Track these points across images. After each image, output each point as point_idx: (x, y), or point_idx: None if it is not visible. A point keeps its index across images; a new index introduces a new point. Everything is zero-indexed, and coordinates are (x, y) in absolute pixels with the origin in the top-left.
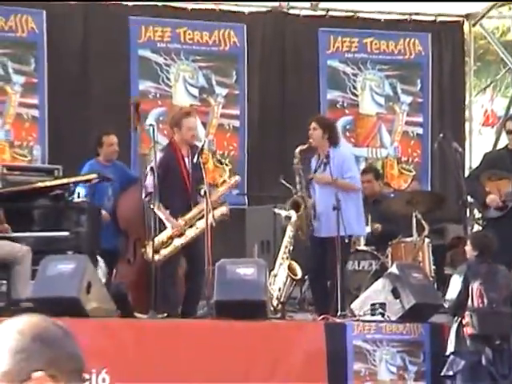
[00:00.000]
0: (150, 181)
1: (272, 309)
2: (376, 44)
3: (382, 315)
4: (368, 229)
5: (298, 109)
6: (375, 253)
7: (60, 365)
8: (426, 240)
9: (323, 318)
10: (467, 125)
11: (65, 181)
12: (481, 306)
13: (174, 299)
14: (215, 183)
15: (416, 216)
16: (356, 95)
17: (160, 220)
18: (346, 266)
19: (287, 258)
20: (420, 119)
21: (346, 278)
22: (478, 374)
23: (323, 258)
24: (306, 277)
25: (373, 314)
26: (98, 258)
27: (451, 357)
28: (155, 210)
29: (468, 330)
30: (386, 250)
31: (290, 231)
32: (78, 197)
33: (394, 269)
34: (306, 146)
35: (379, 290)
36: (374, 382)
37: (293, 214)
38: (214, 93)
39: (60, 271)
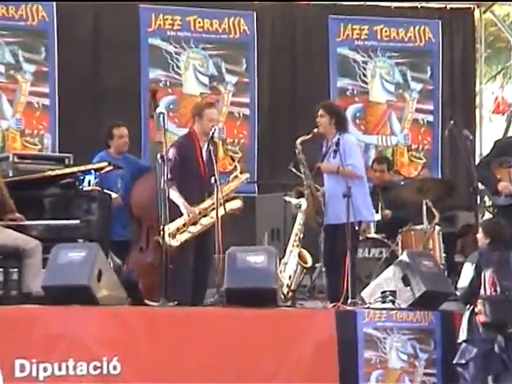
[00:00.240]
0: (169, 168)
1: (282, 297)
2: (386, 31)
3: (393, 303)
4: (378, 216)
5: (307, 97)
6: (385, 240)
7: None
8: (437, 228)
9: (334, 306)
10: (477, 112)
11: (75, 169)
12: (493, 293)
13: (187, 287)
14: (225, 171)
15: (426, 204)
16: (366, 83)
17: (172, 208)
18: (356, 252)
19: (297, 246)
20: (430, 107)
21: (356, 265)
22: (490, 362)
23: (333, 245)
24: (317, 265)
25: (383, 302)
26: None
27: (463, 345)
28: (171, 196)
29: (480, 318)
30: (396, 237)
31: (300, 219)
32: (89, 185)
33: (404, 256)
34: (308, 136)
35: (390, 278)
36: (385, 370)
37: (303, 201)
38: (224, 81)
39: (71, 259)
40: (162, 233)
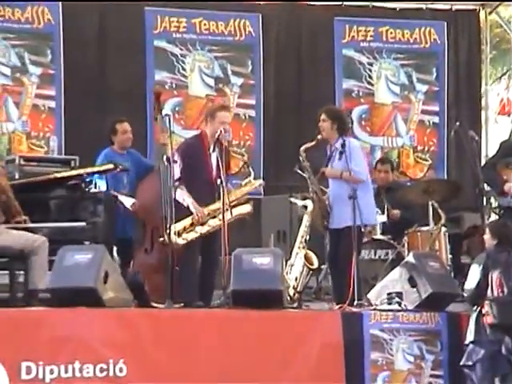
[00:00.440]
0: (176, 169)
1: (288, 298)
2: (391, 33)
3: (399, 304)
4: (384, 217)
5: (313, 98)
6: (391, 242)
7: None
8: (443, 229)
9: (340, 308)
10: (483, 113)
11: (81, 171)
12: (500, 294)
13: (194, 288)
14: (233, 173)
15: (432, 205)
16: (371, 84)
17: (178, 209)
18: (360, 255)
19: (303, 248)
20: (436, 108)
21: (362, 267)
22: (497, 364)
23: (338, 247)
24: (323, 266)
25: (389, 303)
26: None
27: (470, 346)
28: (179, 196)
29: (488, 320)
30: (402, 239)
31: (306, 221)
32: (95, 187)
33: (410, 258)
34: (312, 143)
35: (396, 279)
36: (391, 371)
37: (309, 203)
38: (229, 83)
39: (77, 261)
40: (167, 232)
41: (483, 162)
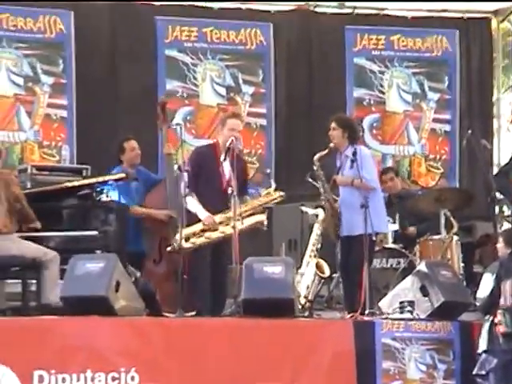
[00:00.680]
0: (185, 178)
1: (300, 307)
2: (403, 41)
3: (411, 313)
4: (395, 226)
5: (324, 107)
6: (403, 250)
7: None
8: (455, 238)
9: (352, 317)
10: (495, 122)
11: (93, 180)
12: None
13: (205, 296)
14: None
15: (444, 213)
16: (383, 93)
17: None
18: (371, 263)
19: (315, 256)
20: (448, 116)
21: (373, 275)
22: (510, 373)
23: (349, 255)
24: (334, 275)
25: (401, 312)
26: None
27: (483, 355)
28: (187, 205)
29: (500, 329)
30: (413, 247)
31: (317, 229)
32: (107, 196)
33: (422, 266)
34: (325, 151)
35: (408, 288)
36: (404, 381)
37: (320, 212)
38: (240, 91)
39: (88, 270)
40: (175, 240)
41: (495, 170)
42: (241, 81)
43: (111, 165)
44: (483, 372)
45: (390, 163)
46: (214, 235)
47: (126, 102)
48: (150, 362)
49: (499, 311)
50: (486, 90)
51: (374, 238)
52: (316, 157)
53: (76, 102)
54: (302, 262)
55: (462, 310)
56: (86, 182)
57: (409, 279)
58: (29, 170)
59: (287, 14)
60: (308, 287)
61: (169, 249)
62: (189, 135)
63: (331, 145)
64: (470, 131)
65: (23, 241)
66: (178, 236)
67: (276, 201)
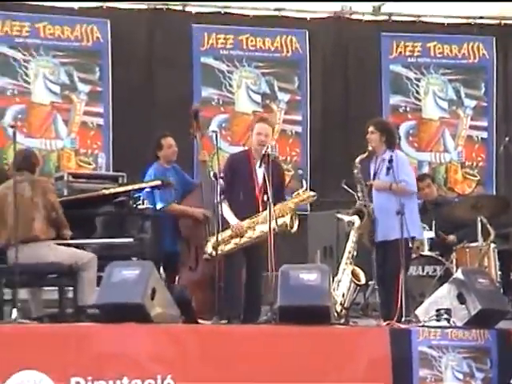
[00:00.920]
0: (215, 186)
1: (335, 314)
2: (439, 48)
3: (448, 321)
4: (431, 233)
5: (360, 114)
6: (440, 258)
7: None
8: (492, 245)
9: (388, 324)
10: None
11: (129, 188)
12: None
13: (237, 303)
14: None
15: (481, 221)
16: (419, 100)
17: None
18: (408, 270)
19: (350, 264)
20: (484, 123)
21: (409, 283)
22: None
23: (385, 262)
24: (370, 282)
25: (438, 320)
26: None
27: None
28: (223, 207)
29: None
30: (450, 255)
31: (353, 236)
32: (143, 203)
33: (459, 274)
34: (365, 154)
35: (444, 296)
36: None
37: (356, 219)
38: (276, 99)
39: (125, 277)
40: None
41: None
42: (276, 88)
43: (147, 171)
44: None
45: (426, 170)
46: (242, 241)
47: (161, 109)
48: (186, 369)
49: None
50: None
51: (410, 245)
52: (357, 160)
53: (112, 109)
54: (337, 269)
55: (499, 317)
56: (122, 189)
57: (445, 287)
58: (65, 178)
59: (323, 21)
60: (344, 295)
61: (205, 256)
62: (224, 142)
63: (370, 148)
64: (506, 138)
65: (60, 247)
66: (208, 244)
67: (306, 201)
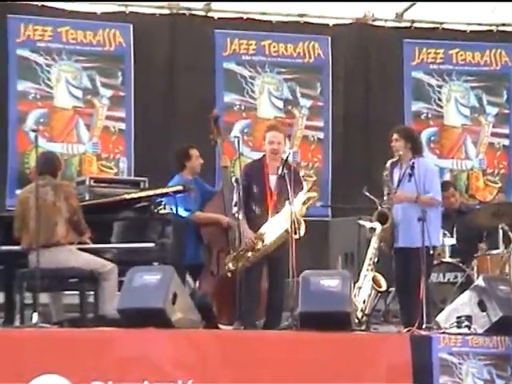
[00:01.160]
0: (236, 192)
1: (356, 321)
2: (461, 55)
3: (469, 328)
4: (453, 240)
5: (382, 120)
6: (461, 265)
7: None
8: None
9: (408, 331)
10: None
11: (150, 193)
12: None
13: (252, 311)
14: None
15: (502, 228)
16: (441, 107)
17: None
18: (429, 277)
19: (372, 270)
20: (506, 130)
21: (430, 290)
22: None
23: (406, 269)
24: (391, 289)
25: (459, 327)
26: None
27: None
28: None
29: None
30: (471, 262)
31: (374, 243)
32: (164, 209)
33: (480, 281)
34: (396, 159)
35: (465, 303)
36: None
37: (377, 225)
38: (298, 105)
39: (146, 282)
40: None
41: None
42: (298, 94)
43: (168, 177)
44: None
45: (447, 177)
46: (257, 253)
47: (183, 114)
48: (207, 375)
49: None
50: None
51: (431, 252)
52: (387, 163)
53: (134, 114)
54: (359, 275)
55: None
56: (144, 194)
57: (466, 294)
58: (87, 182)
59: (345, 28)
60: (365, 301)
61: (227, 268)
62: (246, 148)
63: (401, 153)
64: None
65: (82, 252)
66: (228, 259)
67: (308, 203)
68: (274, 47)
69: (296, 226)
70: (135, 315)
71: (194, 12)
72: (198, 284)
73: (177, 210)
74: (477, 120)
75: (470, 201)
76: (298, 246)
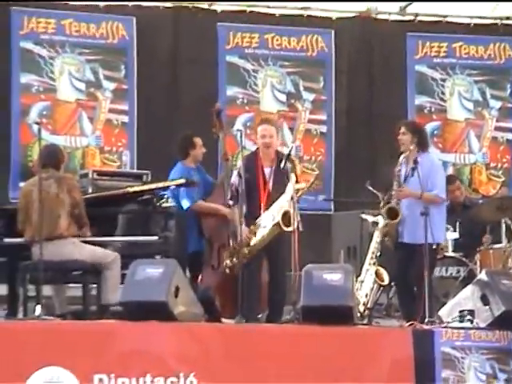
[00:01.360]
0: (233, 183)
1: (359, 315)
2: (465, 49)
3: (471, 322)
4: (456, 235)
5: (385, 114)
6: (463, 259)
7: None
8: None
9: (411, 325)
10: None
11: (153, 186)
12: None
13: (253, 305)
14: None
15: (505, 222)
16: (444, 100)
17: None
18: (433, 272)
19: (374, 264)
20: (509, 125)
21: (433, 284)
22: None
23: (408, 264)
24: (393, 283)
25: (461, 321)
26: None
27: None
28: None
29: None
30: (474, 256)
31: (377, 237)
32: (167, 202)
33: (483, 275)
34: (408, 152)
35: (468, 297)
36: None
37: (380, 219)
38: (301, 98)
39: (148, 275)
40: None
41: None
42: (301, 87)
43: (171, 169)
44: None
45: (450, 171)
46: (251, 248)
47: (186, 107)
48: (209, 368)
49: None
50: None
51: (434, 247)
52: (401, 157)
53: (137, 107)
54: (361, 269)
55: None
56: (147, 187)
57: (469, 288)
58: (90, 175)
59: (348, 21)
60: (367, 295)
61: (225, 264)
62: (249, 141)
63: (411, 147)
64: None
65: (84, 245)
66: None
67: (298, 195)
68: (277, 40)
69: (288, 219)
70: (138, 308)
71: (197, 5)
72: (199, 278)
73: (179, 203)
74: (480, 114)
75: (472, 195)
76: (301, 240)
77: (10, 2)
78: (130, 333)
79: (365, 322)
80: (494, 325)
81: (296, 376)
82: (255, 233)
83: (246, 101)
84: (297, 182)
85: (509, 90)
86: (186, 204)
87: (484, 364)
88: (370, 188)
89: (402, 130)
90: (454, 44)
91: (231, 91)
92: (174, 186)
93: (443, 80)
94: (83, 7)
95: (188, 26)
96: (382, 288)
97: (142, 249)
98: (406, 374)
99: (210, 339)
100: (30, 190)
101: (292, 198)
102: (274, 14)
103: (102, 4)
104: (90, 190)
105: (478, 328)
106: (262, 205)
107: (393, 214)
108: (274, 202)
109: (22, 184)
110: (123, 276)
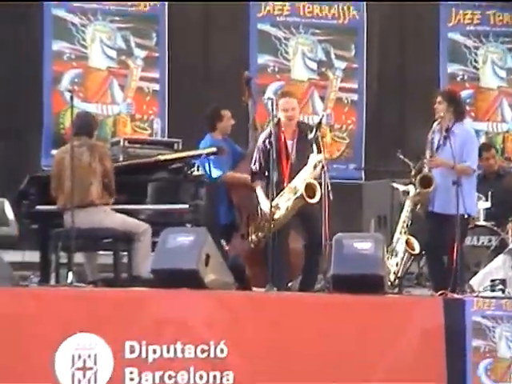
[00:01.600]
0: (255, 157)
1: (389, 284)
2: (499, 16)
3: (503, 291)
4: (488, 204)
5: (417, 82)
6: (495, 228)
7: None
8: None
9: (441, 294)
10: None
11: (184, 154)
12: None
13: (282, 274)
14: (331, 158)
15: None
16: (477, 69)
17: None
18: (464, 242)
19: (405, 233)
20: None
21: (464, 253)
22: None
23: (439, 233)
24: (424, 252)
25: (492, 290)
26: None
27: None
28: (256, 190)
29: None
30: (506, 225)
31: (407, 206)
32: (198, 170)
33: None
34: (440, 120)
35: (499, 266)
36: (494, 359)
37: (411, 188)
38: (332, 66)
39: (179, 243)
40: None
41: None
42: (333, 56)
43: (202, 138)
44: None
45: (482, 140)
46: (276, 223)
47: (217, 75)
48: (239, 336)
49: None
50: None
51: (465, 217)
52: (434, 124)
53: (168, 75)
54: (391, 238)
55: None
56: (178, 155)
57: (501, 257)
58: (121, 143)
59: None
60: (398, 264)
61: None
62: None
63: (441, 114)
64: None
65: (116, 213)
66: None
67: (319, 166)
68: (309, 8)
69: (312, 190)
70: (168, 276)
71: None
72: (230, 246)
73: (210, 172)
74: None
75: (505, 163)
76: (332, 209)
77: None
78: (160, 300)
79: (395, 291)
80: None
81: (325, 344)
82: (279, 207)
83: (276, 69)
84: (322, 151)
85: None
86: (216, 174)
87: None
88: (401, 157)
89: (439, 98)
90: (488, 12)
91: (262, 59)
92: (205, 155)
93: (476, 48)
94: None
95: None
96: (412, 257)
97: (173, 217)
98: (436, 343)
99: (241, 307)
100: (62, 157)
101: (315, 168)
102: None
103: None
104: (121, 158)
105: (510, 297)
106: (285, 178)
107: (426, 182)
108: (297, 174)
109: (54, 151)
110: (154, 244)
